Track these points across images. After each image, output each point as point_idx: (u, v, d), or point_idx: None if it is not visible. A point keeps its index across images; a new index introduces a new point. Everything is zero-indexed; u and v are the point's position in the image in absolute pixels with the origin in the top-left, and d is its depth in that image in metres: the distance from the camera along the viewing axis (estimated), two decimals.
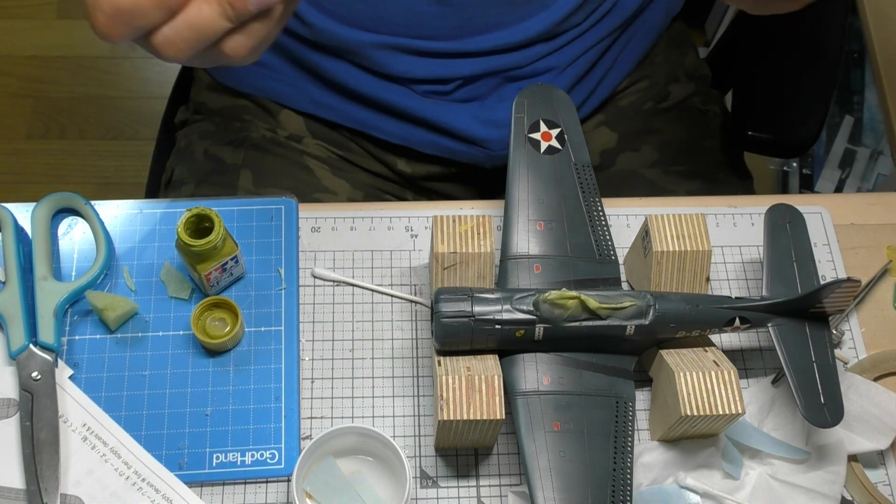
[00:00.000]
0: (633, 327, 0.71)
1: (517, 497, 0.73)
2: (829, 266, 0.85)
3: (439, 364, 0.71)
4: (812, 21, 1.10)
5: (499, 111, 0.95)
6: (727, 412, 0.69)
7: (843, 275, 0.85)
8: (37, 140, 1.93)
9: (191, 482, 0.72)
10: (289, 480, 0.72)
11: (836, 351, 0.81)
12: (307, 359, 0.79)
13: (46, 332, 0.74)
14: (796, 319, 0.74)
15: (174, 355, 0.77)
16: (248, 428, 0.74)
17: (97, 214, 0.80)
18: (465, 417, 0.68)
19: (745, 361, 0.81)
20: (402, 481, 0.70)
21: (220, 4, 0.55)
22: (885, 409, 0.76)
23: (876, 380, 0.79)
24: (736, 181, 1.08)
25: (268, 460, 0.73)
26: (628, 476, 0.68)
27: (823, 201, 0.89)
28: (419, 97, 0.95)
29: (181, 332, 0.78)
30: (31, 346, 0.74)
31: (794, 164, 1.72)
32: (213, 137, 1.01)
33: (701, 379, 0.70)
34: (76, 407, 0.74)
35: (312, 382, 0.78)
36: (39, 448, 0.71)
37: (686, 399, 0.69)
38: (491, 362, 0.71)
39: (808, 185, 1.68)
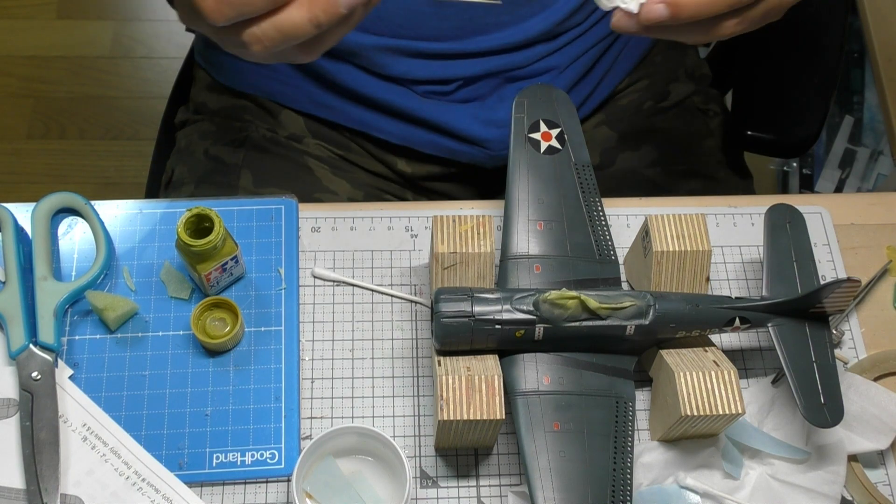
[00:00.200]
0: (633, 327, 0.71)
1: (517, 497, 0.73)
2: (829, 266, 0.85)
3: (439, 364, 0.71)
4: (812, 21, 1.10)
5: (499, 111, 0.95)
6: (727, 412, 0.69)
7: (843, 275, 0.85)
8: (37, 140, 1.93)
9: (191, 482, 0.72)
10: (289, 480, 0.72)
11: (836, 351, 0.81)
12: (307, 359, 0.79)
13: (46, 332, 0.74)
14: (796, 319, 0.74)
15: (174, 355, 0.77)
16: (248, 428, 0.74)
17: (97, 214, 0.80)
18: (465, 417, 0.68)
19: (745, 361, 0.81)
20: (402, 481, 0.70)
21: (310, 12, 0.57)
22: (885, 409, 0.76)
23: (876, 380, 0.79)
24: (736, 180, 1.08)
25: (268, 460, 0.73)
26: (628, 476, 0.68)
27: (823, 201, 0.89)
28: (419, 98, 0.95)
29: (181, 332, 0.78)
30: (31, 346, 0.74)
31: (794, 164, 1.72)
32: (213, 137, 1.01)
33: (701, 379, 0.70)
34: (76, 407, 0.74)
35: (312, 382, 0.78)
36: (39, 448, 0.71)
37: (686, 399, 0.69)
38: (491, 362, 0.71)
39: (808, 185, 1.68)
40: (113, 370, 0.76)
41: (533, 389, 0.70)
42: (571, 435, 0.69)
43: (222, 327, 0.77)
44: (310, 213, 0.85)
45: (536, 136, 0.79)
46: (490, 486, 0.74)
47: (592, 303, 0.70)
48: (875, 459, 0.77)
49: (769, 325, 0.73)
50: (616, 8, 0.63)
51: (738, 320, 0.73)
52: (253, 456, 0.73)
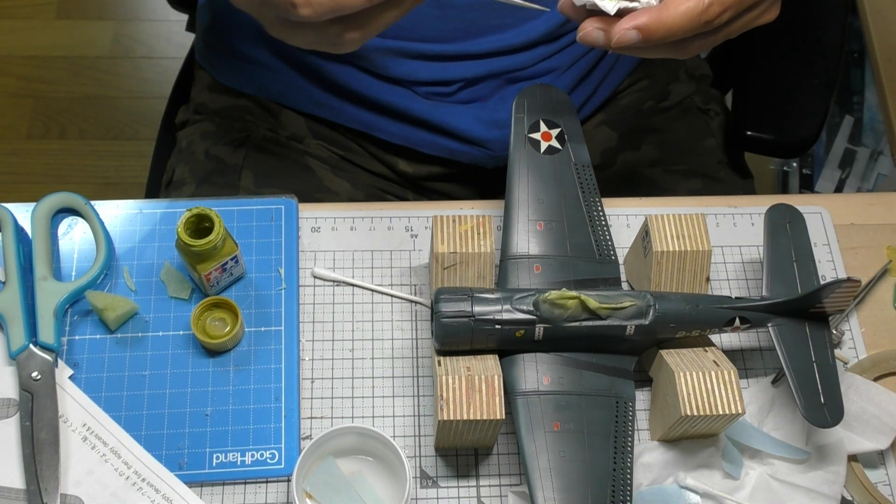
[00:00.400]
0: (633, 327, 0.71)
1: (517, 497, 0.73)
2: (829, 266, 0.85)
3: (439, 364, 0.71)
4: (812, 21, 1.10)
5: (501, 112, 0.95)
6: (727, 412, 0.69)
7: (843, 275, 0.85)
8: (37, 140, 1.93)
9: (191, 482, 0.72)
10: (289, 480, 0.72)
11: (836, 351, 0.81)
12: (307, 359, 0.79)
13: (46, 332, 0.74)
14: (796, 319, 0.74)
15: (174, 355, 0.77)
16: (248, 428, 0.74)
17: (97, 214, 0.80)
18: (465, 417, 0.68)
19: (745, 361, 0.81)
20: (402, 481, 0.70)
21: None
22: (885, 409, 0.76)
23: (876, 380, 0.79)
24: (736, 180, 1.07)
25: (268, 460, 0.73)
26: (628, 476, 0.68)
27: (823, 201, 0.89)
28: (421, 99, 0.95)
29: (181, 332, 0.78)
30: (31, 346, 0.74)
31: (794, 164, 1.72)
32: (214, 137, 1.01)
33: (701, 379, 0.70)
34: (76, 407, 0.74)
35: (312, 382, 0.78)
36: (39, 448, 0.71)
37: (686, 399, 0.69)
38: (491, 362, 0.71)
39: (808, 185, 1.68)
40: (113, 370, 0.76)
41: (533, 389, 0.70)
42: (571, 435, 0.69)
43: (222, 327, 0.77)
44: (310, 213, 0.85)
45: (536, 136, 0.79)
46: (490, 486, 0.74)
47: (592, 303, 0.70)
48: (875, 459, 0.77)
49: (769, 325, 0.73)
50: (589, 2, 0.63)
51: (738, 320, 0.73)
52: (253, 456, 0.73)
